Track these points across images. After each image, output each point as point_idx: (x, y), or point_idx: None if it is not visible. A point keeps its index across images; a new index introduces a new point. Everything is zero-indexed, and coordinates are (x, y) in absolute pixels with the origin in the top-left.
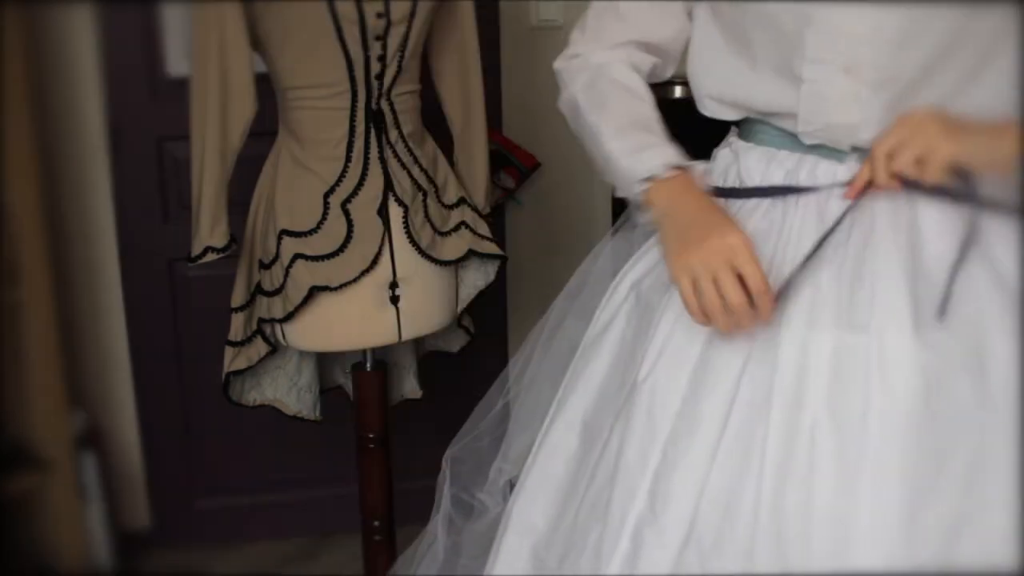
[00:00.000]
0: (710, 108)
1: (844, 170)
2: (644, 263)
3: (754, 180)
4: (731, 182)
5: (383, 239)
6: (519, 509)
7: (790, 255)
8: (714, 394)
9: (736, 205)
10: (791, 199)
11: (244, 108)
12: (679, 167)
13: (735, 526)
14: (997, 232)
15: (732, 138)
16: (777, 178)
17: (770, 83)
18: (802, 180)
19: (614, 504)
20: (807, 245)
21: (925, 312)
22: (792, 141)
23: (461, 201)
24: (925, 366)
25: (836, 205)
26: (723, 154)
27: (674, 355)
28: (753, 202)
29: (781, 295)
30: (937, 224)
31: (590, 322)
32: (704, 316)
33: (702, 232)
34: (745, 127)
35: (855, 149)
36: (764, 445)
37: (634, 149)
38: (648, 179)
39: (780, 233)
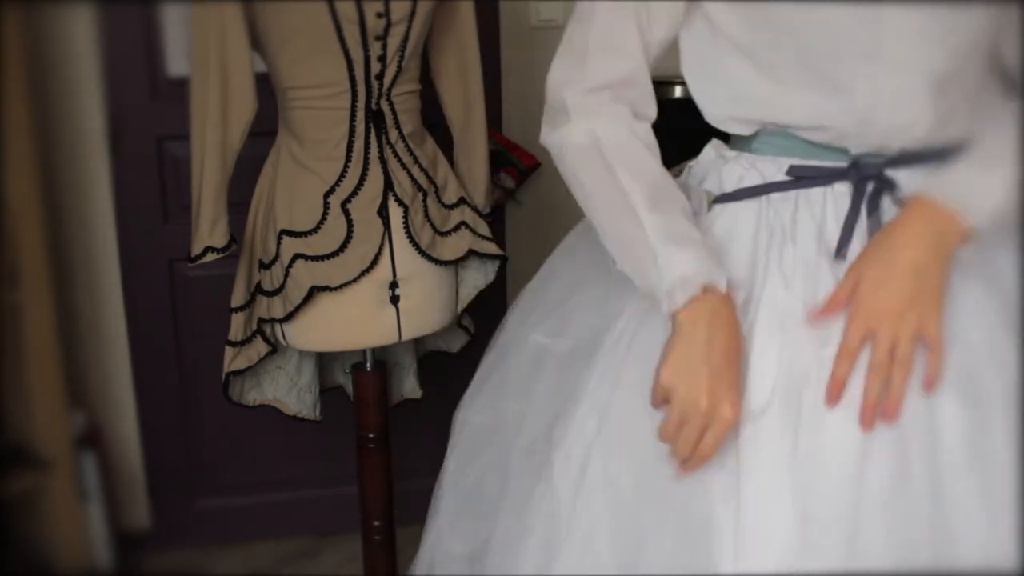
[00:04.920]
0: (728, 126)
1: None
2: None
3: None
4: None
5: (383, 239)
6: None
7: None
8: (846, 440)
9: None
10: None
11: (244, 108)
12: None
13: None
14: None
15: (730, 152)
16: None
17: (800, 97)
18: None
19: (723, 566)
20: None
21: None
22: (820, 150)
23: (461, 201)
24: None
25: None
26: (731, 169)
27: (777, 421)
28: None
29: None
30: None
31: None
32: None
33: (708, 383)
34: (751, 138)
35: (903, 152)
36: (909, 481)
37: (672, 241)
38: (688, 294)
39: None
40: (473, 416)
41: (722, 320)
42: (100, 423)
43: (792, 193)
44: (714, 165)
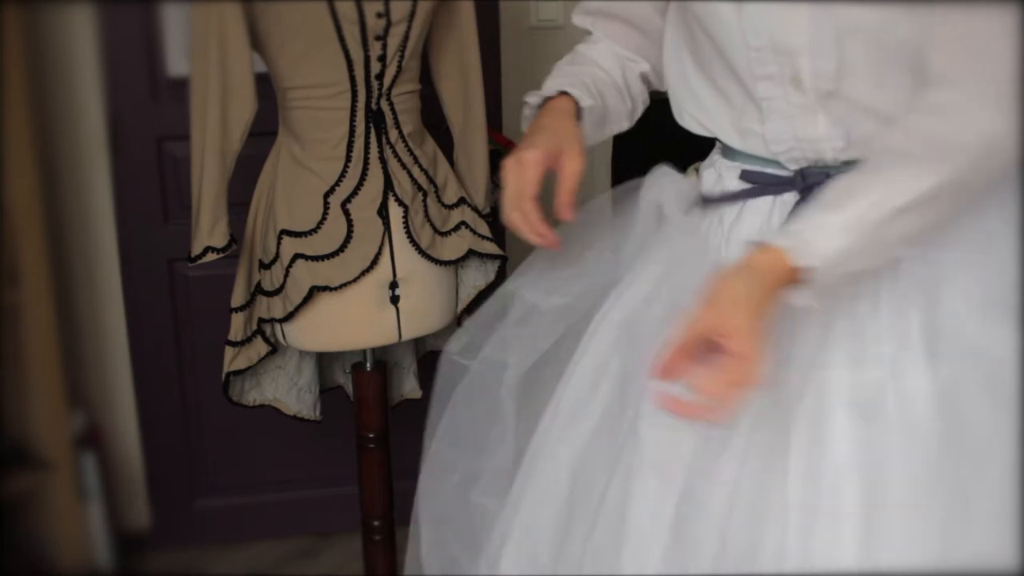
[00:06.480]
0: (684, 120)
1: None
2: (631, 296)
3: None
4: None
5: (383, 239)
6: (511, 554)
7: None
8: (729, 448)
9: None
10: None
11: (244, 108)
12: (567, 94)
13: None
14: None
15: (716, 156)
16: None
17: (731, 111)
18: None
19: (624, 563)
20: None
21: (936, 339)
22: (778, 164)
23: (461, 201)
24: (943, 399)
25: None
26: (708, 174)
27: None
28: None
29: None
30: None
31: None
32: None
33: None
34: (727, 146)
35: (845, 163)
36: (784, 493)
37: (551, 78)
38: (540, 99)
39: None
40: (460, 360)
41: (554, 109)
42: (100, 423)
43: (741, 202)
44: (704, 169)
